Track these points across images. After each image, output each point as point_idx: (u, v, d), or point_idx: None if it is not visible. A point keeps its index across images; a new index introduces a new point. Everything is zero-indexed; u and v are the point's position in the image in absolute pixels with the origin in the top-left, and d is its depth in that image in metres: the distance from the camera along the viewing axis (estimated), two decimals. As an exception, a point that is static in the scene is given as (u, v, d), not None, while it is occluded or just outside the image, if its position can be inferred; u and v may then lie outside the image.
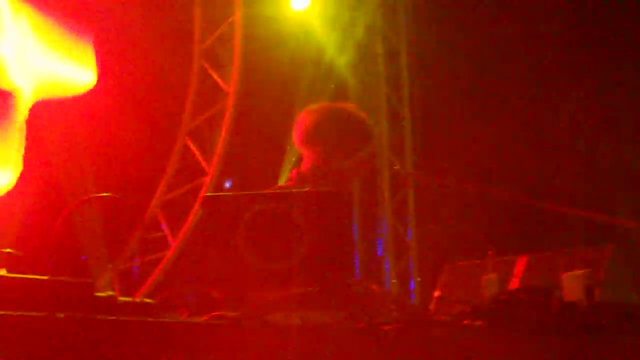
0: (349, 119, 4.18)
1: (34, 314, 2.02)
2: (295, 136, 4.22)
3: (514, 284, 4.68)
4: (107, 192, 3.05)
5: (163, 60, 8.40)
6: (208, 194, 7.29)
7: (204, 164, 8.43)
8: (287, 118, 7.93)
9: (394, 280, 9.57)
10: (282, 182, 6.71)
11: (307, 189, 3.95)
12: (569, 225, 8.52)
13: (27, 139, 5.44)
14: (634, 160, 9.25)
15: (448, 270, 6.10)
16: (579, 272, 3.76)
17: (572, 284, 3.59)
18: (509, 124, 9.46)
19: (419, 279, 9.72)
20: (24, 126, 5.34)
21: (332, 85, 9.16)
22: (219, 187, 8.41)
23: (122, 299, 2.37)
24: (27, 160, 5.26)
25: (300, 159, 4.27)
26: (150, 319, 2.19)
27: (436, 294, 5.59)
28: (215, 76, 8.64)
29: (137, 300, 2.40)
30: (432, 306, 4.49)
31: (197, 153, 8.50)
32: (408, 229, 9.90)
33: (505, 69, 9.45)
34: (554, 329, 2.95)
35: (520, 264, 5.61)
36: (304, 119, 4.22)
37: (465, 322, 2.92)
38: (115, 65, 7.77)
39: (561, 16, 9.24)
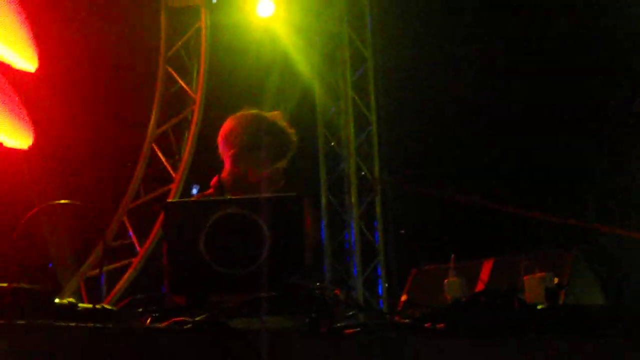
0: (268, 128, 4.16)
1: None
2: (218, 140, 4.23)
3: (479, 287, 4.71)
4: (70, 200, 3.04)
5: (129, 67, 8.39)
6: (170, 200, 7.29)
7: (170, 170, 8.42)
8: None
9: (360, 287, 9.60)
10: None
11: (268, 195, 3.99)
12: (535, 229, 8.59)
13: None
14: (598, 165, 9.34)
15: (415, 274, 6.14)
16: (541, 274, 3.79)
17: (533, 286, 3.62)
18: (475, 128, 9.52)
19: (386, 284, 9.75)
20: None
21: (298, 94, 9.18)
22: (185, 193, 8.40)
23: (82, 305, 2.37)
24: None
25: (221, 164, 4.26)
26: (110, 326, 2.19)
27: (403, 298, 5.63)
28: (181, 83, 8.64)
29: (98, 307, 2.40)
30: (399, 310, 4.52)
31: (163, 160, 8.49)
32: (376, 233, 9.92)
33: (472, 75, 9.52)
34: (514, 330, 2.98)
35: (487, 268, 5.66)
36: (226, 124, 4.21)
37: (427, 325, 2.94)
38: (82, 72, 7.76)
39: (520, 23, 9.34)
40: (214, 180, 4.24)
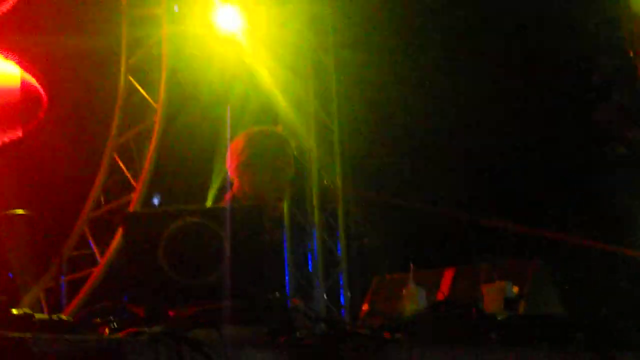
0: (277, 143, 4.31)
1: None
2: (227, 163, 4.36)
3: (440, 296, 4.73)
4: (29, 210, 3.02)
5: (90, 76, 8.34)
6: (128, 210, 7.26)
7: (131, 180, 8.38)
8: (215, 135, 7.94)
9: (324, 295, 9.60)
10: (209, 202, 6.77)
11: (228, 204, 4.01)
12: (498, 238, 8.62)
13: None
14: (560, 174, 9.41)
15: (376, 283, 6.14)
16: (500, 284, 3.81)
17: (492, 295, 3.65)
18: (438, 137, 9.57)
19: (349, 294, 9.75)
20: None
21: (260, 105, 9.18)
22: (147, 203, 8.36)
23: (38, 316, 2.35)
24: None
25: (231, 183, 4.39)
26: (66, 336, 2.17)
27: (364, 307, 5.63)
28: (143, 92, 8.60)
29: (54, 317, 2.38)
30: (360, 319, 4.53)
31: (124, 169, 8.45)
32: (338, 243, 9.93)
33: (435, 82, 9.57)
34: (473, 340, 2.99)
35: (447, 276, 5.67)
36: (234, 145, 4.35)
37: (386, 334, 2.95)
38: (41, 80, 7.72)
39: (486, 31, 9.41)
40: (228, 196, 4.38)
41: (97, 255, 8.19)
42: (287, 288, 9.52)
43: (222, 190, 4.51)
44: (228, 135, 4.52)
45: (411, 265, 3.98)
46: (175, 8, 8.73)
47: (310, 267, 9.82)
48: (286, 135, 4.47)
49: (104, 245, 8.16)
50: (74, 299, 7.92)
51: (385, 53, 9.54)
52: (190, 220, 2.89)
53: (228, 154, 4.41)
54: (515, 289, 3.87)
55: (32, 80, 7.50)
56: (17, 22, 7.69)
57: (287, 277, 9.55)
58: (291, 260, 9.72)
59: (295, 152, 9.46)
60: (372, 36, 9.66)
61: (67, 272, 8.03)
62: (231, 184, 4.42)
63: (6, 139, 7.08)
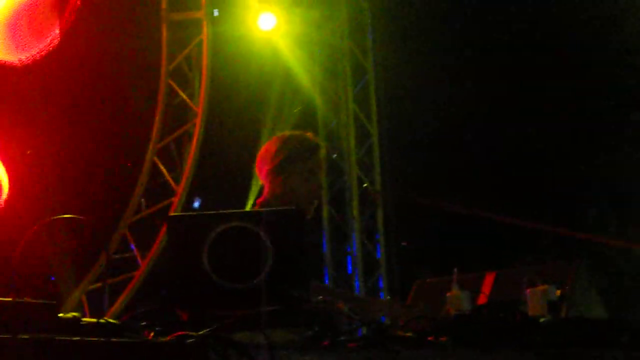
0: (305, 146, 4.35)
1: (-3, 335, 2.02)
2: (257, 168, 4.39)
3: (482, 299, 4.71)
4: (72, 214, 3.04)
5: (131, 81, 8.41)
6: (172, 214, 7.29)
7: (172, 184, 8.42)
8: (255, 136, 7.98)
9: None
10: (249, 205, 6.81)
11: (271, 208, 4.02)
12: (538, 241, 8.58)
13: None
14: (600, 177, 9.34)
15: (417, 287, 6.12)
16: (543, 287, 3.79)
17: (535, 299, 3.62)
18: (477, 140, 9.54)
19: (388, 297, 9.73)
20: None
21: (299, 108, 9.19)
22: (187, 207, 8.40)
23: (85, 319, 2.37)
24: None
25: (262, 187, 4.44)
26: (113, 340, 2.19)
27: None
28: (183, 96, 8.65)
29: (102, 320, 2.40)
30: (401, 323, 4.51)
31: (165, 173, 8.49)
32: (378, 246, 9.92)
33: (474, 86, 9.54)
34: (517, 343, 2.98)
35: (489, 280, 5.64)
36: (265, 150, 4.38)
37: (430, 338, 2.94)
38: (84, 87, 7.78)
39: (520, 35, 9.38)
40: (259, 201, 4.40)
41: (139, 258, 8.24)
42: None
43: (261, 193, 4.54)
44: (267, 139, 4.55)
45: (455, 269, 3.96)
46: (215, 12, 8.77)
47: (349, 270, 9.81)
48: (318, 141, 4.49)
49: (145, 248, 8.21)
50: (115, 302, 7.97)
51: (424, 53, 9.52)
52: (234, 224, 2.90)
53: (258, 160, 4.44)
54: (558, 292, 3.84)
55: None
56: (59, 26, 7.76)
57: (326, 280, 9.56)
58: (331, 263, 9.73)
59: (333, 155, 9.54)
60: (410, 36, 9.65)
61: (109, 276, 8.09)
62: (262, 190, 4.46)
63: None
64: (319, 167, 4.41)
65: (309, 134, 4.49)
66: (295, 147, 4.37)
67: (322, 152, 4.48)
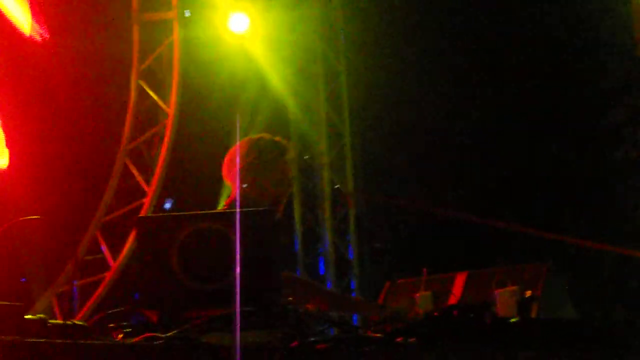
0: (274, 147, 4.40)
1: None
2: (225, 169, 4.40)
3: (452, 300, 4.72)
4: (42, 214, 3.03)
5: (102, 81, 8.36)
6: (141, 215, 7.27)
7: (143, 184, 8.39)
8: (227, 139, 7.95)
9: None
10: (220, 206, 6.79)
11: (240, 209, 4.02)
12: (510, 242, 8.61)
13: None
14: (573, 178, 9.39)
15: (389, 288, 6.14)
16: (512, 288, 3.81)
17: (505, 299, 3.64)
18: (449, 141, 9.56)
19: (361, 298, 9.74)
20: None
21: (271, 109, 9.19)
22: (158, 208, 8.37)
23: (52, 321, 2.36)
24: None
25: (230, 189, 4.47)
26: (80, 341, 2.18)
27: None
28: (154, 97, 8.62)
29: (69, 322, 2.38)
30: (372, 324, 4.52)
31: (136, 174, 8.46)
32: (350, 247, 9.93)
33: (446, 87, 9.57)
34: (486, 344, 2.99)
35: (459, 281, 5.66)
36: (233, 152, 4.42)
37: (399, 339, 2.95)
38: (53, 86, 7.73)
39: (496, 34, 9.42)
40: (227, 202, 4.43)
41: (109, 259, 8.20)
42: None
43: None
44: (238, 140, 4.55)
45: (424, 270, 3.98)
46: (187, 13, 8.75)
47: (322, 271, 9.82)
48: (286, 144, 4.53)
49: (116, 249, 8.18)
50: (86, 304, 7.93)
51: (396, 56, 9.54)
52: (203, 225, 2.90)
53: (226, 161, 4.46)
54: (528, 293, 3.86)
55: None
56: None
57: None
58: (302, 264, 9.73)
59: (305, 157, 9.54)
60: (383, 39, 9.66)
61: (79, 277, 8.04)
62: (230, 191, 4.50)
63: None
64: (288, 168, 4.43)
65: (278, 138, 4.53)
66: (265, 148, 4.40)
67: (291, 153, 4.54)
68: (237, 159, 4.39)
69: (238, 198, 4.33)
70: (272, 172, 4.36)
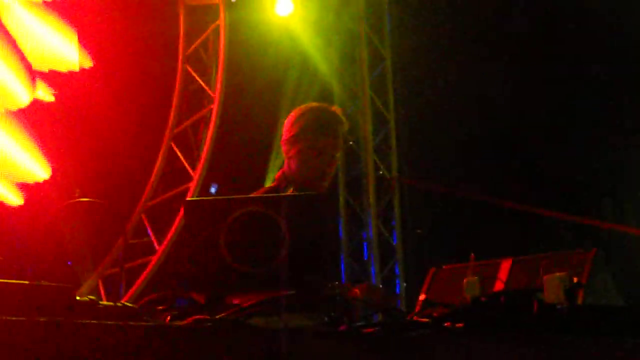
0: (322, 119, 4.25)
1: (13, 318, 2.02)
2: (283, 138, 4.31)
3: (498, 286, 4.70)
4: (91, 198, 3.05)
5: (148, 66, 8.40)
6: (190, 198, 7.30)
7: (189, 169, 8.43)
8: (272, 122, 7.96)
9: (380, 285, 9.59)
10: (268, 181, 6.76)
11: (289, 193, 4.01)
12: (555, 229, 8.56)
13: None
14: (617, 166, 9.31)
15: (434, 273, 6.12)
16: (560, 274, 3.77)
17: (552, 286, 3.61)
18: (494, 128, 9.51)
19: (404, 284, 9.74)
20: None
21: (316, 94, 9.17)
22: (204, 192, 8.41)
23: (103, 303, 2.37)
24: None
25: (283, 161, 4.35)
26: (130, 323, 2.19)
27: (421, 297, 5.61)
28: (200, 81, 8.65)
29: (119, 304, 2.40)
30: (417, 309, 4.51)
31: (182, 158, 8.50)
32: (394, 232, 9.92)
33: (491, 73, 9.50)
34: (534, 330, 2.97)
35: (505, 267, 5.63)
36: (288, 118, 4.30)
37: (446, 324, 2.93)
38: (100, 72, 7.78)
39: (537, 23, 9.34)
40: (279, 174, 4.29)
41: (155, 243, 8.26)
42: (342, 277, 9.54)
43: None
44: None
45: (471, 254, 3.94)
46: (232, -3, 8.78)
47: (365, 257, 9.82)
48: (340, 115, 4.37)
49: (161, 233, 8.23)
50: (131, 287, 7.99)
51: (442, 39, 9.49)
52: (252, 208, 2.90)
53: (283, 129, 4.36)
54: (575, 279, 3.82)
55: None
56: (73, 9, 7.74)
57: (342, 266, 9.57)
58: (347, 249, 9.73)
59: (350, 142, 9.52)
60: (428, 22, 9.61)
61: (125, 260, 8.11)
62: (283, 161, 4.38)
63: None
64: (334, 144, 4.33)
65: (334, 107, 4.37)
66: (311, 119, 4.26)
67: (342, 127, 4.35)
68: (285, 128, 4.31)
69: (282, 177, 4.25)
70: (315, 145, 4.21)
